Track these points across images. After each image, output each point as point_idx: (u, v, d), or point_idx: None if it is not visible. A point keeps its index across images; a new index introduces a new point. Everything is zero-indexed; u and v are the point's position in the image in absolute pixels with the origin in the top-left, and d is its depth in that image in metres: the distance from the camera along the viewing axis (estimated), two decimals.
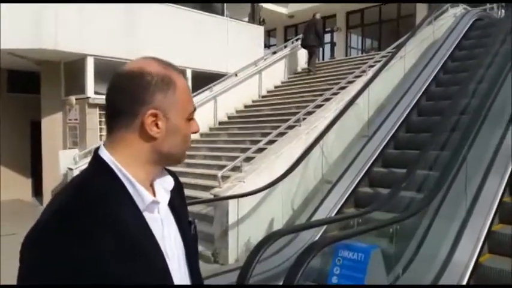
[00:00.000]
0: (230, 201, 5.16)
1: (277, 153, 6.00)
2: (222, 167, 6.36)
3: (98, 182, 0.84)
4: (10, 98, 10.07)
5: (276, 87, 11.09)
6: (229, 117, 9.92)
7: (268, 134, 7.06)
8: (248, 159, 6.18)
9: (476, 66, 5.58)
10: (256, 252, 2.62)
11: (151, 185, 0.92)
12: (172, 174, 1.01)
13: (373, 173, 5.70)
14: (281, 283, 2.48)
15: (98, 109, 8.50)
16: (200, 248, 5.05)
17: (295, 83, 10.94)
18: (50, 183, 8.75)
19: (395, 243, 3.71)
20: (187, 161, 6.96)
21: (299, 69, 11.82)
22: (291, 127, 6.84)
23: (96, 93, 8.47)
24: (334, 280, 2.84)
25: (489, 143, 4.59)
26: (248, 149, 6.74)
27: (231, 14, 11.27)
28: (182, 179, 1.10)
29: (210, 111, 9.54)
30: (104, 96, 0.93)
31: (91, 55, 8.45)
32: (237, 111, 10.13)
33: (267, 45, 16.62)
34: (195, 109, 0.95)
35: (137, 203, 0.86)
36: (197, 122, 0.96)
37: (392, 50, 8.07)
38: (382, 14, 16.38)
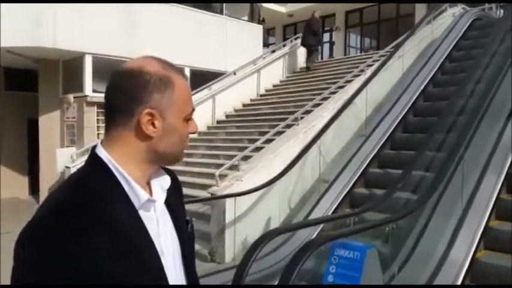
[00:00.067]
0: (227, 199, 5.17)
1: (275, 152, 6.00)
2: (219, 165, 6.36)
3: (94, 180, 0.84)
4: (8, 96, 10.05)
5: (274, 86, 11.08)
6: (227, 116, 9.92)
7: (266, 133, 7.05)
8: (246, 158, 6.18)
9: (474, 67, 5.58)
10: (252, 250, 2.62)
11: (148, 184, 0.93)
12: (171, 173, 1.01)
13: (369, 173, 5.70)
14: (277, 282, 2.48)
15: (95, 107, 8.49)
16: (197, 246, 5.06)
17: (294, 82, 10.94)
18: (47, 181, 8.73)
19: (391, 242, 3.73)
20: (185, 159, 6.96)
21: (298, 68, 11.81)
22: (289, 126, 6.83)
23: (94, 91, 8.45)
24: (330, 279, 2.86)
25: (487, 139, 4.58)
26: (246, 147, 6.74)
27: (230, 13, 11.27)
28: (180, 178, 1.10)
29: (208, 109, 9.53)
30: (102, 95, 0.93)
31: (89, 53, 8.43)
32: (235, 110, 10.12)
33: (266, 44, 16.60)
34: (193, 109, 0.95)
35: (132, 201, 0.86)
36: (195, 122, 0.95)
37: (390, 50, 8.03)
38: (381, 13, 16.38)
